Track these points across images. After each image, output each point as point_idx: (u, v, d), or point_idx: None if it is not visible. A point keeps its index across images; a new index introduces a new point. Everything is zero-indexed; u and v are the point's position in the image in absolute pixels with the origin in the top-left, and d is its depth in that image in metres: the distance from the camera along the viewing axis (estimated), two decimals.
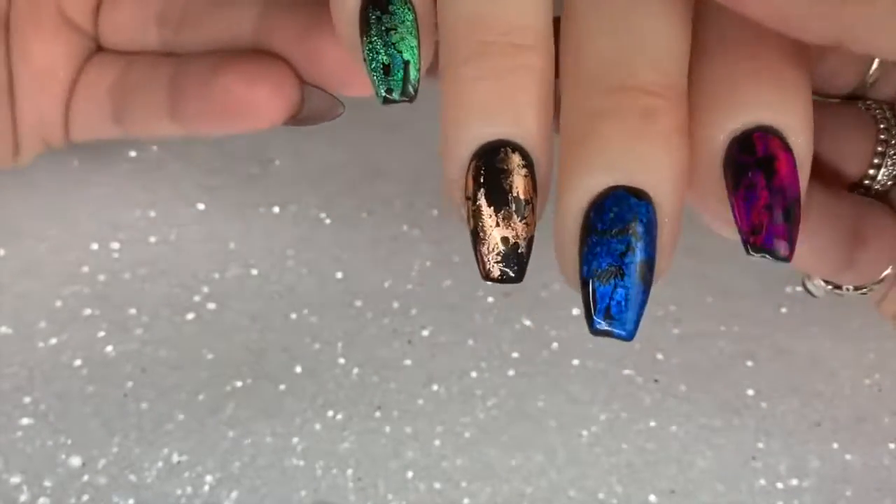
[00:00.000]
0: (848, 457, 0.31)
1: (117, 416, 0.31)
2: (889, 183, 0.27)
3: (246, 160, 0.36)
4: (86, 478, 0.30)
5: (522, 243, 0.19)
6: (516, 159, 0.19)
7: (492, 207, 0.19)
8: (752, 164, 0.19)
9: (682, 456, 0.31)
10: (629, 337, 0.19)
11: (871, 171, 0.26)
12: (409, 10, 0.20)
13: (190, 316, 0.33)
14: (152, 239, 0.34)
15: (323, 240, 0.35)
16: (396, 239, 0.35)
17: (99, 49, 0.29)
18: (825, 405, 0.32)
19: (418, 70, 0.20)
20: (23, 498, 0.29)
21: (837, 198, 0.26)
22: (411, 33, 0.20)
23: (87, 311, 0.33)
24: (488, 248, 0.19)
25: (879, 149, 0.26)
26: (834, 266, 0.26)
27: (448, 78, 0.19)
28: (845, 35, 0.18)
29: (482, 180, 0.19)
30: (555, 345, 0.33)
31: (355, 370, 0.32)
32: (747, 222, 0.19)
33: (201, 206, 0.35)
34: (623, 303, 0.18)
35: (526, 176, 0.19)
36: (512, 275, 0.19)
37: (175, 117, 0.27)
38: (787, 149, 0.19)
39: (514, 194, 0.19)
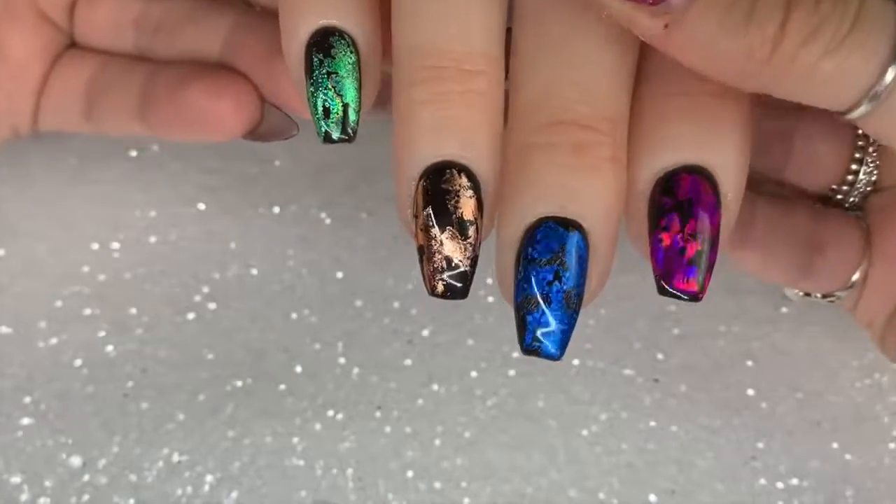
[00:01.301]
0: (848, 457, 0.31)
1: (117, 416, 0.31)
2: (868, 189, 0.27)
3: (246, 160, 0.36)
4: (86, 478, 0.30)
5: (466, 262, 0.20)
6: (462, 181, 0.20)
7: (436, 227, 0.19)
8: (670, 206, 0.20)
9: (682, 456, 0.31)
10: (557, 357, 0.20)
11: (849, 177, 0.27)
12: (351, 52, 0.21)
13: (190, 316, 0.33)
14: (152, 239, 0.34)
15: (323, 240, 0.35)
16: (397, 239, 0.35)
17: (73, 45, 0.30)
18: (825, 405, 0.32)
19: (357, 112, 0.21)
20: (23, 498, 0.29)
21: (790, 208, 0.26)
22: (352, 76, 0.21)
23: (88, 311, 0.33)
24: (433, 266, 0.20)
25: (857, 155, 0.26)
26: (790, 275, 0.27)
27: (400, 101, 0.20)
28: (768, 90, 0.19)
29: (428, 200, 0.20)
30: None
31: (355, 370, 0.32)
32: (660, 265, 0.20)
33: (201, 206, 0.35)
34: (549, 328, 0.19)
35: (471, 197, 0.20)
36: (457, 291, 0.20)
37: (144, 121, 0.28)
38: (711, 190, 0.20)
39: (459, 215, 0.20)
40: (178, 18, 0.28)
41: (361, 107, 0.21)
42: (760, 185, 0.27)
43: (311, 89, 0.21)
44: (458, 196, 0.20)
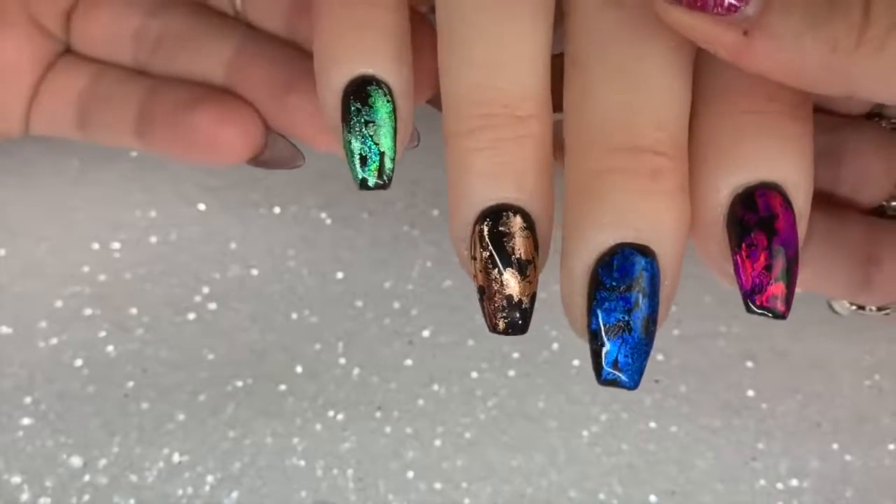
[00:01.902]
0: (848, 457, 0.31)
1: (118, 416, 0.31)
2: None
3: None
4: (87, 478, 0.30)
5: (526, 300, 0.20)
6: (518, 222, 0.20)
7: (496, 269, 0.20)
8: (754, 223, 0.20)
9: (682, 456, 0.31)
10: (634, 386, 0.20)
11: None
12: (387, 101, 0.21)
13: (191, 316, 0.33)
14: (153, 239, 0.34)
15: (323, 240, 0.35)
16: (397, 239, 0.35)
17: (69, 51, 0.29)
18: (825, 406, 0.32)
19: (393, 160, 0.21)
20: (23, 498, 0.29)
21: (846, 221, 0.26)
22: (388, 125, 0.21)
23: (88, 311, 0.33)
24: (494, 305, 0.20)
25: None
26: (847, 289, 0.26)
27: (452, 147, 0.20)
28: (854, 87, 0.18)
29: (486, 243, 0.20)
30: (555, 345, 0.33)
31: (356, 370, 0.32)
32: (749, 282, 0.20)
33: (202, 207, 0.35)
34: (629, 355, 0.19)
35: (528, 237, 0.20)
36: (517, 328, 0.20)
37: (141, 138, 0.28)
38: (788, 206, 0.20)
39: (517, 256, 0.20)
40: (180, 37, 0.28)
41: (396, 154, 0.21)
42: (815, 202, 0.27)
43: (348, 136, 0.21)
44: (516, 237, 0.20)
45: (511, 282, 0.20)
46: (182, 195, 0.35)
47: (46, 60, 0.29)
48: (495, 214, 0.20)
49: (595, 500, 0.30)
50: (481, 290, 0.20)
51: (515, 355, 0.32)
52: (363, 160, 0.21)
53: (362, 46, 0.21)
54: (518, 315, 0.20)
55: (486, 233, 0.20)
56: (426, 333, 0.33)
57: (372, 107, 0.21)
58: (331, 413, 0.31)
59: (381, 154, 0.21)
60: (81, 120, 0.28)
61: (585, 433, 0.31)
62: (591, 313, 0.20)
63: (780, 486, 0.30)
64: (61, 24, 0.29)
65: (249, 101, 0.27)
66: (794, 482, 0.31)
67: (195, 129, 0.26)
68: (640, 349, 0.19)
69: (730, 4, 0.17)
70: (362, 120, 0.21)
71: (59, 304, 0.33)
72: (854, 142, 0.26)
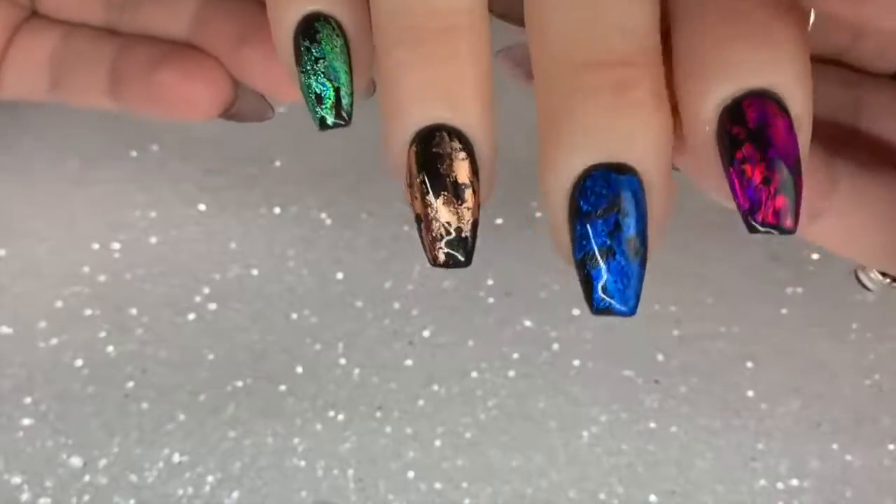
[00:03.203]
0: (848, 457, 0.31)
1: (118, 416, 0.31)
2: None
3: (246, 161, 0.36)
4: (87, 478, 0.30)
5: (466, 227, 0.19)
6: (454, 144, 0.19)
7: (430, 193, 0.19)
8: (745, 135, 0.18)
9: (682, 457, 0.31)
10: (631, 312, 0.18)
11: None
12: (337, 35, 0.21)
13: (191, 316, 0.33)
14: (153, 239, 0.34)
15: (323, 240, 0.35)
16: (397, 239, 0.35)
17: (35, 14, 0.29)
18: (825, 406, 0.32)
19: (350, 95, 0.21)
20: (24, 498, 0.29)
21: (876, 175, 0.24)
22: (340, 59, 0.21)
23: (88, 312, 0.33)
24: (432, 234, 0.19)
25: None
26: (878, 250, 0.24)
27: (382, 66, 0.19)
28: None
29: (420, 166, 0.19)
30: (555, 346, 0.33)
31: (356, 371, 0.32)
32: (746, 199, 0.18)
33: (202, 207, 0.35)
34: (619, 280, 0.18)
35: (464, 159, 0.19)
36: (459, 259, 0.19)
37: (114, 97, 0.28)
38: (782, 112, 0.19)
39: (453, 179, 0.19)
40: None
41: (354, 90, 0.21)
42: (839, 150, 0.25)
43: (303, 77, 0.21)
44: (451, 159, 0.19)
45: (447, 207, 0.19)
46: (182, 195, 0.35)
47: (11, 24, 0.28)
48: (429, 136, 0.19)
49: (595, 500, 0.30)
50: (418, 220, 0.19)
51: (515, 356, 0.32)
52: (318, 98, 0.21)
53: None
54: (457, 243, 0.19)
55: (419, 155, 0.19)
56: (426, 334, 0.33)
57: (321, 42, 0.21)
58: (331, 413, 0.31)
59: (337, 90, 0.21)
60: (53, 81, 0.28)
61: (585, 433, 0.31)
62: (574, 241, 0.19)
63: (780, 486, 0.30)
64: None
65: (213, 56, 0.27)
66: (794, 482, 0.31)
67: (163, 86, 0.26)
68: (630, 272, 0.18)
69: None
70: (313, 57, 0.21)
71: (59, 304, 0.33)
72: (875, 99, 0.25)
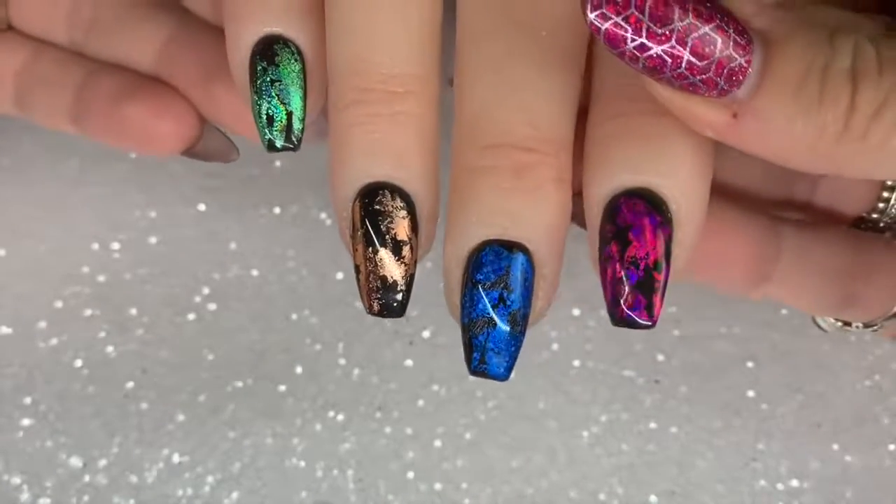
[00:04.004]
0: (848, 458, 0.31)
1: (118, 416, 0.31)
2: None
3: (246, 161, 0.36)
4: (86, 478, 0.30)
5: (401, 282, 0.20)
6: (396, 202, 0.20)
7: (370, 248, 0.20)
8: (611, 235, 0.19)
9: (682, 457, 0.31)
10: (503, 378, 0.20)
11: (881, 205, 0.26)
12: (295, 61, 0.21)
13: (190, 316, 0.33)
14: (153, 239, 0.34)
15: (323, 240, 0.35)
16: None
17: (10, 28, 0.29)
18: (825, 406, 0.32)
19: (302, 120, 0.21)
20: (23, 498, 0.29)
21: (827, 237, 0.25)
22: (296, 84, 0.21)
23: (88, 312, 0.33)
24: (369, 286, 0.20)
25: (890, 182, 0.26)
26: (829, 306, 0.26)
27: (332, 121, 0.20)
28: (841, 169, 0.18)
29: (362, 220, 0.20)
30: (555, 346, 0.33)
31: (356, 371, 0.32)
32: (607, 294, 0.19)
33: (202, 207, 0.35)
34: (495, 350, 0.20)
35: (405, 217, 0.20)
36: (392, 310, 0.20)
37: (77, 124, 0.28)
38: (652, 212, 0.19)
39: (392, 235, 0.20)
40: (112, 21, 0.28)
41: (306, 115, 0.21)
42: (786, 213, 0.26)
43: (255, 97, 0.21)
44: (392, 217, 0.20)
45: (385, 261, 0.20)
46: (182, 195, 0.35)
47: None
48: (372, 193, 0.20)
49: (595, 500, 0.30)
50: (357, 271, 0.20)
51: None
52: (269, 120, 0.21)
53: (270, 5, 0.21)
54: (392, 296, 0.20)
55: (361, 210, 0.20)
56: (426, 334, 0.33)
57: (278, 66, 0.21)
58: (331, 413, 0.31)
59: (289, 114, 0.21)
60: (19, 99, 0.28)
61: (585, 434, 0.31)
62: (462, 307, 0.20)
63: (780, 486, 0.30)
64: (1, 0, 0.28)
65: (179, 90, 0.27)
66: (795, 483, 0.31)
67: (129, 120, 0.26)
68: (507, 343, 0.19)
69: (722, 89, 0.17)
70: (268, 79, 0.21)
71: (58, 304, 0.33)
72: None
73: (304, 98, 0.21)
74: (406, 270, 0.20)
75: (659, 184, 0.19)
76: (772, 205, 0.27)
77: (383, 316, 0.20)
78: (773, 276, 0.25)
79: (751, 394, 0.32)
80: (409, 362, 0.32)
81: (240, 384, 0.32)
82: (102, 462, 0.30)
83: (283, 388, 0.32)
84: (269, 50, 0.21)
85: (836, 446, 0.31)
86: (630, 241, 0.19)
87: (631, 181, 0.19)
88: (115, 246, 0.34)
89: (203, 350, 0.32)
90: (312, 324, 0.33)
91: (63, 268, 0.34)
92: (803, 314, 0.34)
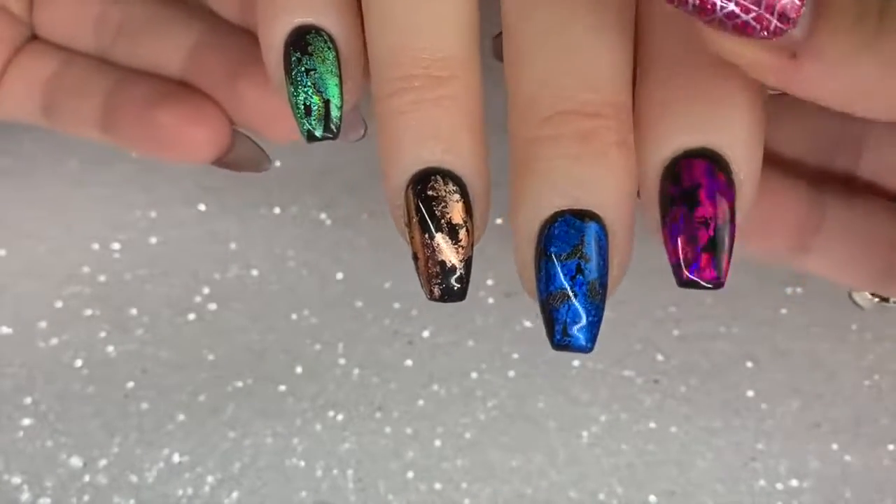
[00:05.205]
0: (847, 458, 0.31)
1: (118, 416, 0.31)
2: None
3: None
4: (86, 478, 0.30)
5: (459, 265, 0.20)
6: (448, 186, 0.20)
7: (426, 234, 0.20)
8: (676, 195, 0.19)
9: (682, 457, 0.31)
10: (587, 350, 0.19)
11: None
12: (329, 49, 0.21)
13: (191, 316, 0.33)
14: (153, 239, 0.34)
15: (323, 241, 0.35)
16: (397, 240, 0.35)
17: (35, 37, 0.29)
18: (825, 406, 0.32)
19: (340, 108, 0.21)
20: (24, 498, 0.29)
21: (870, 208, 0.25)
22: (331, 72, 0.21)
23: (88, 312, 0.33)
24: (428, 272, 0.20)
25: None
26: (870, 279, 0.25)
27: (378, 112, 0.20)
28: None
29: (416, 207, 0.20)
30: None
31: (356, 371, 0.32)
32: (673, 256, 0.19)
33: (202, 207, 0.35)
34: (577, 321, 0.19)
35: (458, 201, 0.20)
36: (453, 294, 0.20)
37: (106, 131, 0.27)
38: (717, 173, 0.19)
39: (448, 220, 0.20)
40: (140, 26, 0.27)
41: (344, 103, 0.21)
42: (830, 186, 0.26)
43: (291, 88, 0.21)
44: (446, 201, 0.20)
45: (442, 246, 0.20)
46: (182, 195, 0.35)
47: (13, 44, 0.28)
48: (423, 179, 0.20)
49: (595, 500, 0.30)
50: (415, 258, 0.20)
51: (515, 356, 0.32)
52: (307, 110, 0.21)
53: None
54: (453, 281, 0.20)
55: (415, 198, 0.20)
56: (426, 334, 0.33)
57: (312, 55, 0.21)
58: (331, 413, 0.31)
59: (326, 102, 0.21)
60: (47, 108, 0.28)
61: (585, 434, 0.31)
62: (538, 282, 0.19)
63: (779, 486, 0.30)
64: (26, 7, 0.28)
65: (207, 93, 0.26)
66: (794, 482, 0.31)
67: (161, 127, 0.26)
68: (588, 313, 0.19)
69: (776, 27, 0.17)
70: (303, 69, 0.21)
71: (59, 304, 0.33)
72: (877, 128, 0.26)
73: (341, 86, 0.21)
74: (464, 253, 0.20)
75: (721, 144, 0.19)
76: (814, 176, 0.26)
77: (444, 301, 0.20)
78: (815, 246, 0.25)
79: (750, 394, 0.32)
80: (408, 362, 0.32)
81: (240, 384, 0.32)
82: (102, 462, 0.30)
83: (283, 388, 0.32)
84: (301, 40, 0.21)
85: (835, 446, 0.31)
86: (699, 201, 0.19)
87: (693, 142, 0.19)
88: (116, 246, 0.34)
89: (203, 350, 0.32)
90: (312, 324, 0.33)
91: (63, 268, 0.34)
92: (803, 314, 0.34)
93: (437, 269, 0.20)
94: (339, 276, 0.34)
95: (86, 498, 0.29)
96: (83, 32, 0.28)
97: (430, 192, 0.20)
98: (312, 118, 0.21)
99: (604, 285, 0.19)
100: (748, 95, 0.20)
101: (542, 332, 0.34)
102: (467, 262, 0.20)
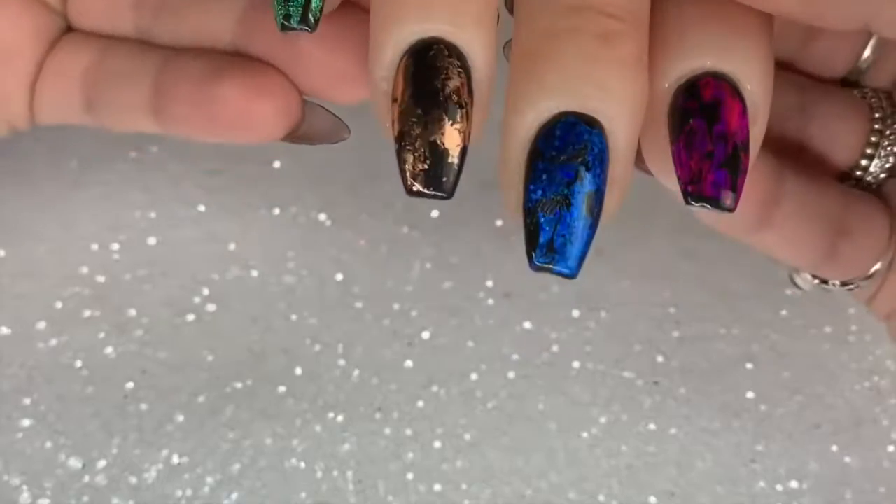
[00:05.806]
0: (847, 459, 0.31)
1: (117, 417, 0.31)
2: (882, 176, 0.26)
3: (246, 161, 0.36)
4: (86, 479, 0.30)
5: (454, 151, 0.17)
6: (451, 60, 0.17)
7: (420, 108, 0.17)
8: (696, 109, 0.18)
9: (681, 458, 0.31)
10: (572, 274, 0.17)
11: (864, 162, 0.25)
12: None
13: (190, 317, 0.33)
14: (152, 240, 0.34)
15: (323, 241, 0.35)
16: (396, 240, 0.35)
17: (70, 29, 0.26)
18: (824, 408, 0.32)
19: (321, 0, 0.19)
20: (23, 499, 0.29)
21: (820, 186, 0.25)
22: None
23: (87, 313, 0.33)
24: (414, 156, 0.17)
25: (873, 139, 0.25)
26: (814, 257, 0.25)
27: None
28: (874, 18, 0.17)
29: (411, 78, 0.17)
30: (555, 347, 0.33)
31: (355, 372, 0.32)
32: (686, 170, 0.18)
33: (201, 207, 0.35)
34: (567, 236, 0.17)
35: (461, 76, 0.18)
36: (440, 186, 0.17)
37: (158, 117, 0.25)
38: (737, 96, 0.18)
39: (447, 94, 0.17)
40: None
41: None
42: (786, 158, 0.25)
43: None
44: (446, 74, 0.17)
45: (436, 124, 0.17)
46: (182, 196, 0.35)
47: (48, 37, 0.26)
48: (425, 48, 0.17)
49: (594, 501, 0.30)
50: (398, 141, 0.17)
51: (515, 357, 0.32)
52: None
53: None
54: (442, 169, 0.17)
55: (411, 67, 0.17)
56: (426, 335, 0.33)
57: None
58: (330, 414, 0.31)
59: None
60: (90, 102, 0.26)
61: (585, 435, 0.31)
62: (528, 187, 0.17)
63: (779, 487, 0.30)
64: None
65: (266, 62, 0.24)
66: (794, 484, 0.31)
67: (221, 104, 0.23)
68: (580, 230, 0.17)
69: None
70: None
71: (58, 305, 0.33)
72: (824, 104, 0.25)
73: None
74: (460, 139, 0.17)
75: (745, 74, 0.18)
76: (772, 143, 0.25)
77: (427, 193, 0.17)
78: (774, 221, 0.24)
79: (750, 395, 0.32)
80: (408, 363, 0.32)
81: (239, 385, 0.32)
82: (102, 463, 0.30)
83: (282, 389, 0.32)
84: None
85: (835, 447, 0.31)
86: (719, 116, 0.18)
87: (718, 65, 0.18)
88: (115, 246, 0.34)
89: (202, 351, 0.32)
90: (312, 325, 0.33)
91: (62, 268, 0.34)
92: (803, 314, 0.34)
93: (427, 150, 0.17)
94: (339, 276, 0.34)
95: (85, 498, 0.29)
96: (121, 14, 0.26)
97: (429, 62, 0.17)
98: (291, 3, 0.19)
99: (600, 204, 0.17)
100: (766, 28, 0.19)
101: (543, 333, 0.35)
102: (462, 152, 0.17)
